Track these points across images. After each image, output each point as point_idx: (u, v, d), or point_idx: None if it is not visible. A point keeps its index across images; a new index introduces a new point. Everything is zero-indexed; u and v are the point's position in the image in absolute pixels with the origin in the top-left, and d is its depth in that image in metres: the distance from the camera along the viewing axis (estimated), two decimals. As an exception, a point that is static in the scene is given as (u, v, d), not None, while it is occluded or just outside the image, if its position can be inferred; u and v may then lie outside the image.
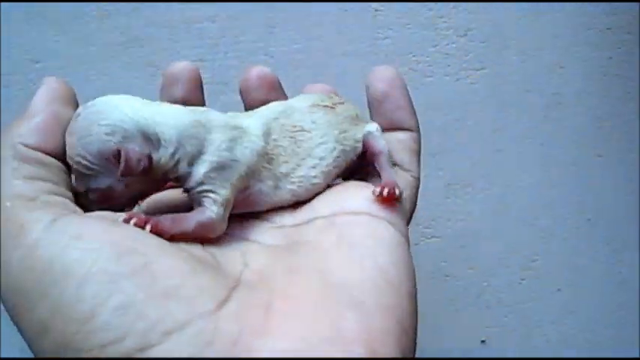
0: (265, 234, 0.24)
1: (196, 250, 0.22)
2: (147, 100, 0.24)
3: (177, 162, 0.23)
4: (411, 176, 0.28)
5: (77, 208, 0.22)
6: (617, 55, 0.51)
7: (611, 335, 0.54)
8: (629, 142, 0.52)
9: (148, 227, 0.21)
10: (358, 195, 0.25)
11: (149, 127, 0.22)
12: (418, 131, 0.29)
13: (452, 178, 0.51)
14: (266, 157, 0.25)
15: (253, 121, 0.25)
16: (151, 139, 0.22)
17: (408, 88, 0.29)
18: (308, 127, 0.26)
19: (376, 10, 0.48)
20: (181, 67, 0.27)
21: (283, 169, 0.25)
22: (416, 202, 0.28)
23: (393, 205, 0.25)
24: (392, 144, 0.28)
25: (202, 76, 0.28)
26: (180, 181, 0.24)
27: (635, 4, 0.51)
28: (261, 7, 0.46)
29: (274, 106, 0.27)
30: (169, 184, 0.25)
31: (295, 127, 0.26)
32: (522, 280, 0.53)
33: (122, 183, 0.23)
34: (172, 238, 0.21)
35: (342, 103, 0.28)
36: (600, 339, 0.54)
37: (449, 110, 0.50)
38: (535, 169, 0.52)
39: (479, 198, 0.51)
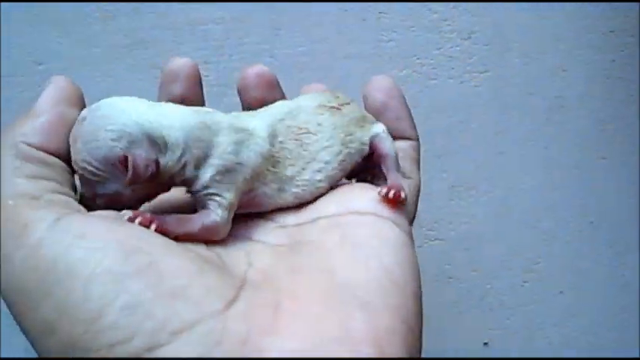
0: (269, 234, 0.24)
1: (201, 249, 0.22)
2: (151, 102, 0.23)
3: (184, 165, 0.23)
4: (413, 183, 0.28)
5: (81, 207, 0.21)
6: (620, 57, 0.51)
7: (614, 338, 0.54)
8: (632, 144, 0.53)
9: (154, 226, 0.21)
10: (364, 196, 0.25)
11: (155, 130, 0.22)
12: (418, 139, 0.29)
13: (455, 180, 0.51)
14: (271, 159, 0.25)
15: (259, 123, 0.25)
16: (157, 143, 0.22)
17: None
18: (314, 129, 0.26)
19: (380, 13, 0.48)
20: (181, 63, 0.27)
21: (288, 172, 0.25)
22: (417, 207, 0.28)
23: (398, 207, 0.25)
24: None
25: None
26: (186, 184, 0.23)
27: (637, 7, 0.51)
28: (266, 10, 0.46)
29: (280, 106, 0.26)
30: None
31: (301, 129, 0.26)
32: (525, 282, 0.53)
33: (129, 188, 0.22)
34: (176, 239, 0.21)
35: (348, 103, 0.28)
36: (603, 341, 0.54)
37: (452, 113, 0.50)
38: (538, 172, 0.52)
39: (482, 200, 0.51)
